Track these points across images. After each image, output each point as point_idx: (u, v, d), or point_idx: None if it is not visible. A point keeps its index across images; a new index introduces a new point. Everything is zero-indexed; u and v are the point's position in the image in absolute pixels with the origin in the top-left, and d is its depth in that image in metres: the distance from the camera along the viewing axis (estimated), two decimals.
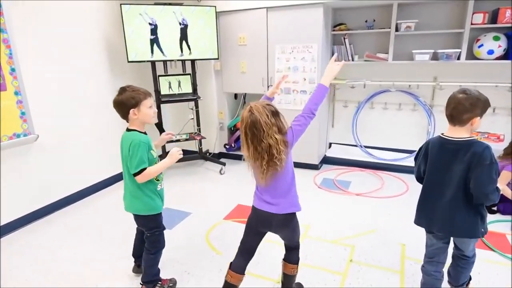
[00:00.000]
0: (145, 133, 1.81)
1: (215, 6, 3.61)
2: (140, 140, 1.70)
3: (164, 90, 3.70)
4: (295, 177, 1.67)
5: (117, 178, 3.69)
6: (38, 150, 2.88)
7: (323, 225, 2.71)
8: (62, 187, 3.11)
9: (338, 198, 3.21)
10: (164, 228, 1.97)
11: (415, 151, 3.75)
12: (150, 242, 1.92)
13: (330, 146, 4.32)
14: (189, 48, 3.61)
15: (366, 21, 3.66)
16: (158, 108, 3.76)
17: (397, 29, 3.43)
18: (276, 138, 1.43)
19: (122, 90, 1.72)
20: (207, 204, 3.15)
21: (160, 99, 3.67)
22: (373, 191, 3.29)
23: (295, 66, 3.65)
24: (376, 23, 3.63)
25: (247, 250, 1.74)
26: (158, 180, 1.86)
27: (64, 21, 3.02)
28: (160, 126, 3.80)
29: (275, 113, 1.48)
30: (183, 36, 3.56)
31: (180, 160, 4.19)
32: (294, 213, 1.67)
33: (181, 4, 3.52)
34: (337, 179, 3.64)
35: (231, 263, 1.76)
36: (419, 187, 1.76)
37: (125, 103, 1.69)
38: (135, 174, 1.69)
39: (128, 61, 3.42)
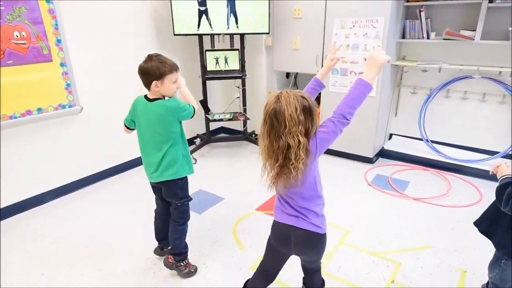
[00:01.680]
0: None
1: None
2: (176, 100, 1.72)
3: (210, 66, 3.52)
4: (322, 197, 1.33)
5: None
6: (82, 122, 2.94)
7: (366, 232, 2.34)
8: (104, 159, 3.17)
9: (391, 201, 2.77)
10: (191, 199, 1.96)
11: (498, 152, 3.09)
12: (179, 213, 1.89)
13: (390, 138, 3.78)
14: (236, 22, 3.33)
15: None
16: (204, 84, 3.62)
17: (490, 0, 2.72)
18: (299, 140, 1.12)
19: (149, 58, 1.64)
20: (243, 190, 2.96)
21: (206, 75, 3.50)
22: (436, 197, 2.78)
23: (355, 44, 3.16)
24: None
25: (266, 273, 1.48)
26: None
27: None
28: (205, 104, 3.66)
29: (308, 110, 1.15)
30: (231, 7, 3.29)
31: (223, 140, 4.16)
32: (320, 234, 1.32)
33: None
34: (393, 177, 3.16)
35: (247, 281, 1.53)
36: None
37: (149, 72, 1.62)
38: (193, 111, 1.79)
39: (174, 34, 3.29)
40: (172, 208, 1.91)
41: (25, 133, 2.61)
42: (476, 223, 1.51)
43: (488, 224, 1.45)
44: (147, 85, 1.66)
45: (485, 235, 1.48)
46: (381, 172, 3.26)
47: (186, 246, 1.96)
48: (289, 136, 1.12)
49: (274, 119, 1.14)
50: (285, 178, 1.17)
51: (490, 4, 2.71)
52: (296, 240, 1.31)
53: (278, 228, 1.36)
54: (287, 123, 1.11)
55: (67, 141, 2.90)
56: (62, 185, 2.93)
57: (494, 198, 1.36)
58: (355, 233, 2.33)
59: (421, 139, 3.49)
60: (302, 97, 1.16)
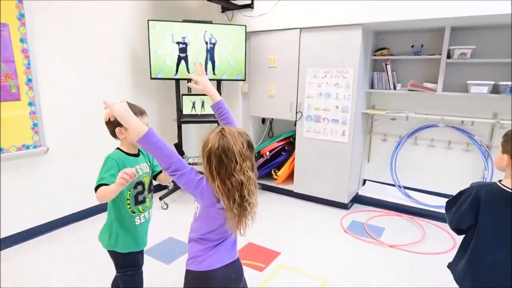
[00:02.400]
0: (136, 154, 1.57)
1: (246, 26, 3.43)
2: (109, 156, 1.48)
3: (186, 110, 3.53)
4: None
5: None
6: (47, 163, 2.78)
7: (344, 281, 2.24)
8: (68, 203, 2.96)
9: (367, 248, 2.71)
10: (139, 268, 1.66)
11: None
12: (122, 282, 1.63)
13: (364, 183, 3.83)
14: (213, 68, 3.42)
15: (412, 46, 3.25)
16: (179, 128, 3.59)
17: (449, 56, 2.98)
18: (249, 176, 1.12)
19: None
20: None
21: (181, 119, 3.49)
22: (411, 244, 2.76)
23: (328, 93, 3.30)
24: (424, 49, 3.21)
25: None
26: (134, 212, 1.56)
27: (89, 33, 2.98)
28: (179, 147, 3.61)
29: (251, 146, 1.17)
30: (210, 55, 3.39)
31: None
32: None
33: (210, 23, 3.38)
34: (369, 223, 3.14)
35: None
36: None
37: (112, 120, 1.48)
38: (95, 190, 1.41)
39: (151, 78, 3.31)
40: (118, 277, 1.66)
41: None
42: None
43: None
44: (112, 133, 1.53)
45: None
46: (357, 218, 3.24)
47: None
48: (240, 172, 1.11)
49: (224, 155, 1.11)
50: (243, 218, 1.15)
51: (448, 60, 2.95)
52: (236, 274, 1.30)
53: (233, 267, 1.28)
54: (237, 159, 1.10)
55: (31, 184, 2.71)
56: (19, 231, 2.68)
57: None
58: (333, 283, 2.22)
59: (393, 185, 3.55)
60: (244, 133, 1.18)
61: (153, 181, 1.68)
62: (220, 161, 1.11)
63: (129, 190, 1.52)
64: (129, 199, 1.53)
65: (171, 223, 3.10)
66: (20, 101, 2.53)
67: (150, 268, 2.36)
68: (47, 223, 2.85)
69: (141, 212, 1.59)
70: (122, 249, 1.56)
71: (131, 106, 1.51)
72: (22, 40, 2.48)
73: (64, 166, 2.88)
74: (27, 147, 2.61)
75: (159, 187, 3.87)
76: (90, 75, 3.02)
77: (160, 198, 3.46)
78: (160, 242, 2.72)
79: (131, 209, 1.55)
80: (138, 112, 1.52)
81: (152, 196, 1.67)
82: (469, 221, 1.33)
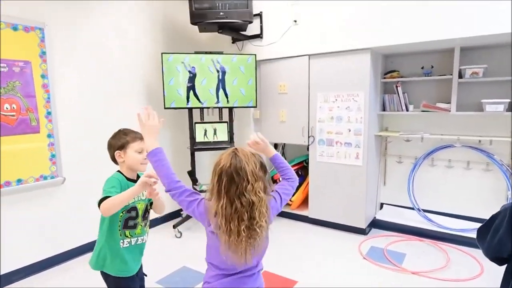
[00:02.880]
0: (134, 180, 1.57)
1: (255, 55, 3.52)
2: (112, 176, 1.53)
3: (199, 138, 3.57)
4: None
5: None
6: (63, 193, 2.82)
7: None
8: (84, 232, 2.96)
9: (389, 275, 2.59)
10: None
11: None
12: None
13: (381, 207, 3.72)
14: (226, 96, 3.50)
15: (422, 68, 3.25)
16: (192, 155, 3.62)
17: (460, 76, 2.96)
18: (260, 197, 1.10)
19: (117, 132, 1.61)
20: None
21: (194, 147, 3.53)
22: (435, 270, 2.62)
23: (339, 116, 3.30)
24: (434, 70, 3.20)
25: None
26: (127, 236, 1.55)
27: (105, 66, 3.11)
28: (192, 174, 3.62)
29: (264, 168, 1.18)
30: (221, 83, 3.48)
31: None
32: None
33: (221, 53, 3.49)
34: (389, 249, 3.01)
35: None
36: (497, 268, 1.24)
37: (112, 144, 1.57)
38: (99, 205, 1.40)
39: (165, 108, 3.39)
40: None
41: (3, 205, 2.46)
42: None
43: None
44: (112, 158, 1.58)
45: None
46: (376, 244, 3.12)
47: None
48: (252, 193, 1.10)
49: (235, 174, 1.11)
50: (253, 241, 1.11)
51: (460, 80, 2.94)
52: None
53: None
54: (249, 178, 1.10)
55: (47, 214, 2.74)
56: (38, 260, 2.69)
57: (496, 268, 1.27)
58: None
59: (412, 208, 3.43)
60: (258, 155, 1.20)
61: (150, 210, 1.66)
62: (231, 180, 1.10)
63: (122, 213, 1.52)
64: (120, 221, 1.53)
65: (185, 251, 3.06)
66: (39, 133, 2.62)
67: None
68: (64, 253, 2.86)
69: (127, 236, 1.56)
70: (111, 271, 1.54)
71: (132, 131, 1.60)
72: (43, 76, 2.61)
73: (80, 195, 2.91)
74: (45, 178, 2.67)
75: (173, 215, 3.87)
76: (106, 107, 3.12)
77: (174, 226, 3.44)
78: (174, 272, 2.68)
79: (119, 232, 1.54)
80: (139, 136, 1.57)
81: (146, 225, 1.63)
82: (510, 247, 1.18)
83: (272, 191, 1.24)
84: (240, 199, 1.09)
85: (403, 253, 2.92)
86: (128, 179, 1.56)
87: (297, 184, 1.33)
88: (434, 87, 3.27)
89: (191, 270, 2.71)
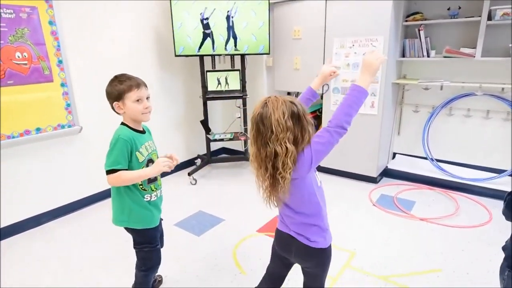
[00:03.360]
0: (141, 131, 1.56)
1: None
2: (119, 136, 1.44)
3: (211, 86, 3.53)
4: (322, 211, 1.26)
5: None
6: (81, 142, 2.91)
7: (372, 254, 2.24)
8: (102, 180, 3.11)
9: (397, 221, 2.67)
10: (157, 245, 1.65)
11: (505, 170, 3.01)
12: (139, 258, 1.65)
13: (394, 157, 3.72)
14: (235, 44, 3.36)
15: (448, 9, 3.01)
16: (205, 104, 3.61)
17: (489, 18, 2.74)
18: (286, 148, 1.06)
19: (113, 79, 1.48)
20: (243, 212, 2.87)
21: (206, 96, 3.51)
22: (444, 217, 2.68)
23: (355, 63, 3.16)
24: (461, 11, 2.96)
25: (272, 278, 1.45)
26: (145, 190, 1.55)
27: (113, 12, 3.00)
28: (205, 124, 3.64)
29: (297, 116, 1.10)
30: (231, 29, 3.33)
31: (224, 160, 4.11)
32: (323, 248, 1.26)
33: None
34: (399, 197, 3.07)
35: None
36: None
37: (109, 94, 1.46)
38: (108, 173, 1.43)
39: (176, 55, 3.31)
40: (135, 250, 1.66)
41: (24, 153, 2.58)
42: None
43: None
44: (113, 108, 1.50)
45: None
46: (386, 192, 3.17)
47: None
48: (276, 143, 1.07)
49: (261, 124, 1.10)
50: (276, 189, 1.13)
51: (489, 22, 2.72)
52: (297, 251, 1.28)
53: (280, 236, 1.33)
54: (273, 128, 1.07)
55: (66, 162, 2.86)
56: (60, 206, 2.87)
57: (504, 220, 1.29)
58: (361, 255, 2.22)
59: (425, 158, 3.42)
60: (291, 102, 1.12)
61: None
62: (258, 129, 1.11)
63: (142, 167, 1.51)
64: None
65: (200, 197, 3.19)
66: (53, 82, 2.62)
67: (182, 240, 2.47)
68: (83, 199, 3.02)
69: (153, 190, 1.58)
70: (136, 224, 1.56)
71: (129, 78, 1.47)
72: (50, 22, 2.54)
73: (97, 144, 3.00)
74: (62, 127, 2.73)
75: (188, 164, 3.98)
76: (117, 56, 3.07)
77: (189, 174, 3.55)
78: (190, 216, 2.82)
79: (142, 188, 1.54)
80: (135, 84, 1.46)
81: (160, 174, 1.60)
82: None
83: (307, 145, 1.14)
84: (266, 148, 1.09)
85: (413, 201, 2.97)
86: (135, 130, 1.51)
87: (339, 129, 1.14)
88: (460, 31, 3.05)
89: (206, 214, 2.85)
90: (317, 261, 1.30)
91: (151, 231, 1.60)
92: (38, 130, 2.58)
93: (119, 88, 1.44)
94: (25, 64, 2.45)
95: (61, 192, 2.86)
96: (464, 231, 2.48)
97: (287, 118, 1.08)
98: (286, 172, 1.07)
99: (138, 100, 1.46)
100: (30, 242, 2.50)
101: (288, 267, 1.42)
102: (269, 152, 1.08)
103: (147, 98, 1.51)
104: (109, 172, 1.43)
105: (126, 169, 1.45)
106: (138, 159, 1.49)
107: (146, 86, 1.52)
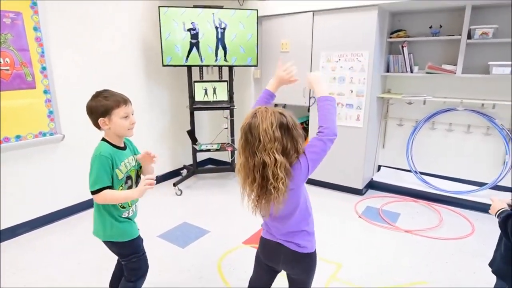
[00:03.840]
0: (122, 147, 1.52)
1: (257, 10, 3.36)
2: (100, 153, 1.41)
3: (198, 97, 3.52)
4: (310, 216, 1.29)
5: None
6: (63, 150, 2.83)
7: (358, 266, 2.23)
8: (84, 190, 3.01)
9: (383, 233, 2.68)
10: (143, 252, 1.62)
11: (486, 183, 3.08)
12: (128, 270, 1.60)
13: (379, 169, 3.77)
14: (225, 55, 3.39)
15: (430, 27, 3.12)
16: (192, 114, 3.59)
17: (469, 37, 2.85)
18: (275, 158, 1.07)
19: (95, 95, 1.45)
20: (229, 223, 2.83)
21: (194, 106, 3.49)
22: (428, 229, 2.71)
23: (342, 77, 3.22)
24: (442, 30, 3.08)
25: None
26: (123, 207, 1.52)
27: (101, 21, 2.98)
28: (192, 134, 3.62)
29: (285, 127, 1.11)
30: (220, 40, 3.35)
31: (210, 171, 4.07)
32: (310, 253, 1.28)
33: (221, 7, 3.33)
34: (384, 208, 3.10)
35: None
36: (488, 229, 1.29)
37: (94, 110, 1.42)
38: (93, 193, 1.40)
39: (163, 65, 3.30)
40: (123, 265, 1.62)
41: (2, 161, 2.48)
42: (490, 264, 1.43)
43: (499, 262, 1.38)
44: (95, 124, 1.46)
45: (496, 274, 1.40)
46: (371, 204, 3.20)
47: None
48: (264, 153, 1.08)
49: (249, 133, 1.11)
50: (267, 200, 1.12)
51: (469, 40, 2.83)
52: (285, 258, 1.27)
53: (266, 245, 1.32)
54: (261, 138, 1.08)
55: (48, 171, 2.77)
56: (38, 216, 2.76)
57: (487, 229, 1.32)
58: (347, 267, 2.21)
59: (409, 171, 3.48)
60: (280, 113, 1.13)
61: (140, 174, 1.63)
62: (246, 139, 1.11)
63: (121, 186, 1.49)
64: None
65: (185, 208, 3.14)
66: (35, 89, 2.56)
67: (166, 252, 2.40)
68: (64, 209, 2.92)
69: (130, 206, 1.56)
70: (120, 237, 1.52)
71: (114, 94, 1.46)
72: (35, 29, 2.50)
73: (79, 153, 2.92)
74: (44, 134, 2.66)
75: (173, 174, 3.92)
76: (103, 63, 3.03)
77: (174, 185, 3.50)
78: (175, 227, 2.76)
79: (121, 206, 1.51)
80: (122, 101, 1.45)
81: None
82: None
83: (302, 154, 1.16)
84: (254, 158, 1.09)
85: (398, 213, 3.00)
86: (116, 146, 1.48)
87: (331, 137, 1.18)
88: (441, 48, 3.16)
89: (191, 225, 2.79)
90: (304, 266, 1.29)
91: (135, 241, 1.58)
92: (17, 137, 2.50)
93: (106, 104, 1.41)
94: (7, 70, 2.39)
95: (41, 202, 2.76)
96: (447, 243, 2.51)
97: (275, 128, 1.08)
98: (279, 182, 1.07)
99: (126, 117, 1.46)
100: (4, 253, 2.38)
101: (273, 277, 1.40)
102: (257, 162, 1.08)
103: (132, 113, 1.51)
104: (94, 192, 1.41)
105: (110, 186, 1.43)
106: (118, 176, 1.47)
107: (130, 102, 1.51)
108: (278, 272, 1.38)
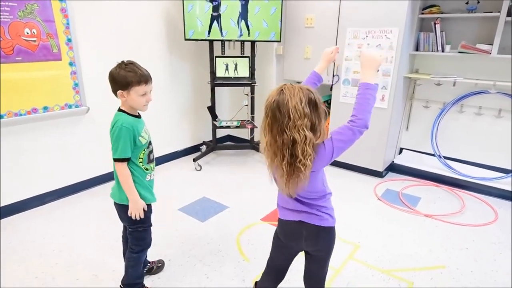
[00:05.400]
0: (138, 116, 1.58)
1: None
2: (122, 124, 1.46)
3: (220, 72, 3.48)
4: (328, 193, 1.29)
5: (163, 159, 3.64)
6: (88, 122, 2.90)
7: (376, 248, 2.23)
8: (106, 162, 3.10)
9: (402, 216, 2.66)
10: (150, 225, 1.70)
11: None
12: (132, 239, 1.67)
13: (400, 152, 3.69)
14: (248, 29, 3.31)
15: (467, 3, 2.93)
16: (212, 91, 3.58)
17: (509, 14, 2.66)
18: (305, 135, 1.04)
19: (120, 65, 1.48)
20: (248, 200, 2.87)
21: (214, 82, 3.47)
22: (449, 214, 2.66)
23: None
24: (480, 6, 2.89)
25: (275, 270, 1.44)
26: (147, 169, 1.61)
27: None
28: (212, 110, 3.61)
29: (314, 104, 1.09)
30: (243, 14, 3.26)
31: (229, 148, 4.10)
32: (331, 227, 1.29)
33: None
34: (404, 192, 3.05)
35: (256, 282, 1.48)
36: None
37: (116, 80, 1.46)
38: (116, 160, 1.49)
39: (185, 39, 3.26)
40: (127, 232, 1.69)
41: (30, 131, 2.56)
42: None
43: None
44: (114, 92, 1.51)
45: None
46: (391, 187, 3.16)
47: (140, 277, 1.74)
48: (294, 130, 1.05)
49: (277, 111, 1.07)
50: (295, 178, 1.10)
51: (508, 18, 2.65)
52: (308, 235, 1.27)
53: (287, 225, 1.31)
54: (291, 115, 1.05)
55: (72, 142, 2.85)
56: (65, 186, 2.87)
57: (510, 218, 1.26)
58: (365, 248, 2.22)
59: (433, 155, 3.39)
60: (308, 89, 1.10)
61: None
62: (274, 116, 1.08)
63: (143, 150, 1.57)
64: (142, 158, 1.57)
65: (204, 183, 3.19)
66: (61, 61, 2.59)
67: (187, 225, 2.47)
68: (88, 180, 3.03)
69: (152, 170, 1.65)
70: (146, 200, 1.61)
71: (138, 69, 1.47)
72: None
73: (102, 125, 2.96)
74: (70, 106, 2.71)
75: (193, 149, 3.96)
76: (126, 37, 3.02)
77: (194, 160, 3.54)
78: (194, 201, 2.82)
79: (144, 167, 1.59)
80: (143, 79, 1.47)
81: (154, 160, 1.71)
82: None
83: (329, 138, 1.13)
84: (282, 135, 1.07)
85: (418, 197, 2.95)
86: (133, 115, 1.55)
87: (362, 128, 1.12)
88: (477, 26, 2.98)
89: (210, 200, 2.85)
90: (327, 241, 1.30)
91: (147, 211, 1.63)
92: (45, 108, 2.56)
93: (128, 79, 1.44)
94: (34, 41, 2.41)
95: (66, 172, 2.86)
96: (469, 230, 2.46)
97: (304, 104, 1.05)
98: (307, 159, 1.06)
99: (143, 94, 1.50)
100: (33, 220, 2.52)
101: (292, 257, 1.40)
102: (286, 140, 1.06)
103: (150, 91, 1.54)
104: (118, 160, 1.49)
105: (129, 158, 1.52)
106: (141, 142, 1.55)
107: (152, 80, 1.53)
108: (297, 253, 1.38)
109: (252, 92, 3.62)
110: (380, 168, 3.31)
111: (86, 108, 2.81)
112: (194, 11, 3.18)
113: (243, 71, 3.51)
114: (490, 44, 2.79)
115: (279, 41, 3.46)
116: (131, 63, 1.49)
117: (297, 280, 1.82)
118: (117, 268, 1.96)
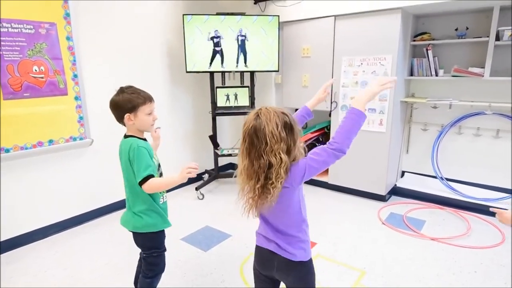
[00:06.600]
0: (144, 139, 1.62)
1: (278, 16, 3.39)
2: (138, 145, 1.50)
3: (220, 102, 3.58)
4: (304, 222, 1.27)
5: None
6: (91, 154, 2.95)
7: (383, 273, 2.19)
8: (111, 192, 3.12)
9: (407, 240, 2.62)
10: (164, 250, 1.71)
11: None
12: (147, 264, 1.67)
13: (402, 175, 3.69)
14: (245, 61, 3.44)
15: (456, 29, 3.05)
16: (214, 120, 3.65)
17: (497, 38, 2.77)
18: (281, 158, 1.07)
19: (120, 90, 1.54)
20: (251, 227, 2.80)
21: (215, 111, 3.55)
22: (455, 237, 2.62)
23: (364, 81, 3.20)
24: (469, 32, 3.01)
25: None
26: (160, 192, 1.62)
27: (128, 31, 3.10)
28: (214, 139, 3.67)
29: (289, 127, 1.12)
30: (242, 47, 3.40)
31: (231, 176, 4.11)
32: (304, 262, 1.24)
33: (243, 14, 3.38)
34: (408, 215, 3.03)
35: None
36: None
37: (121, 105, 1.50)
38: (142, 182, 1.46)
39: (187, 71, 3.38)
40: (142, 257, 1.72)
41: (35, 164, 2.61)
42: None
43: None
44: (120, 119, 1.54)
45: None
46: (395, 211, 3.13)
47: None
48: (271, 154, 1.08)
49: (254, 136, 1.10)
50: (263, 199, 1.12)
51: (497, 42, 2.75)
52: (278, 266, 1.25)
53: (260, 253, 1.31)
54: (268, 140, 1.08)
55: (76, 173, 2.88)
56: (68, 217, 2.87)
57: None
58: (371, 274, 2.18)
59: (434, 177, 3.39)
60: (283, 113, 1.13)
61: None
62: (251, 142, 1.11)
63: (156, 172, 1.59)
64: None
65: (207, 212, 3.18)
66: (67, 95, 2.69)
67: (189, 255, 2.45)
68: (92, 211, 3.03)
69: (164, 192, 1.67)
70: (154, 228, 1.60)
71: (139, 91, 1.54)
72: (68, 38, 2.63)
73: (107, 156, 3.03)
74: (74, 139, 2.78)
75: (195, 178, 3.98)
76: (130, 71, 3.14)
77: (196, 189, 3.55)
78: (197, 230, 2.81)
79: None
80: (148, 98, 1.54)
81: None
82: None
83: (304, 158, 1.16)
84: (259, 160, 1.09)
85: (423, 220, 2.92)
86: (140, 138, 1.58)
87: (338, 153, 1.14)
88: (467, 51, 3.08)
89: (213, 229, 2.83)
90: (299, 274, 1.25)
91: (161, 235, 1.65)
92: (50, 142, 2.62)
93: (134, 101, 1.50)
94: (42, 77, 2.52)
95: (70, 204, 2.87)
96: (476, 252, 2.42)
97: (280, 129, 1.09)
98: (278, 181, 1.08)
99: (149, 113, 1.55)
100: (36, 253, 2.50)
101: (275, 286, 1.37)
102: (263, 164, 1.09)
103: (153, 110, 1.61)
104: (143, 180, 1.46)
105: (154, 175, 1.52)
106: (154, 163, 1.59)
107: (154, 100, 1.60)
108: (278, 282, 1.35)
109: None
110: (383, 191, 3.30)
111: (90, 140, 2.87)
112: (196, 45, 3.32)
113: (243, 101, 3.60)
114: (482, 67, 2.88)
115: (277, 71, 3.58)
116: (130, 86, 1.55)
117: None
118: None
